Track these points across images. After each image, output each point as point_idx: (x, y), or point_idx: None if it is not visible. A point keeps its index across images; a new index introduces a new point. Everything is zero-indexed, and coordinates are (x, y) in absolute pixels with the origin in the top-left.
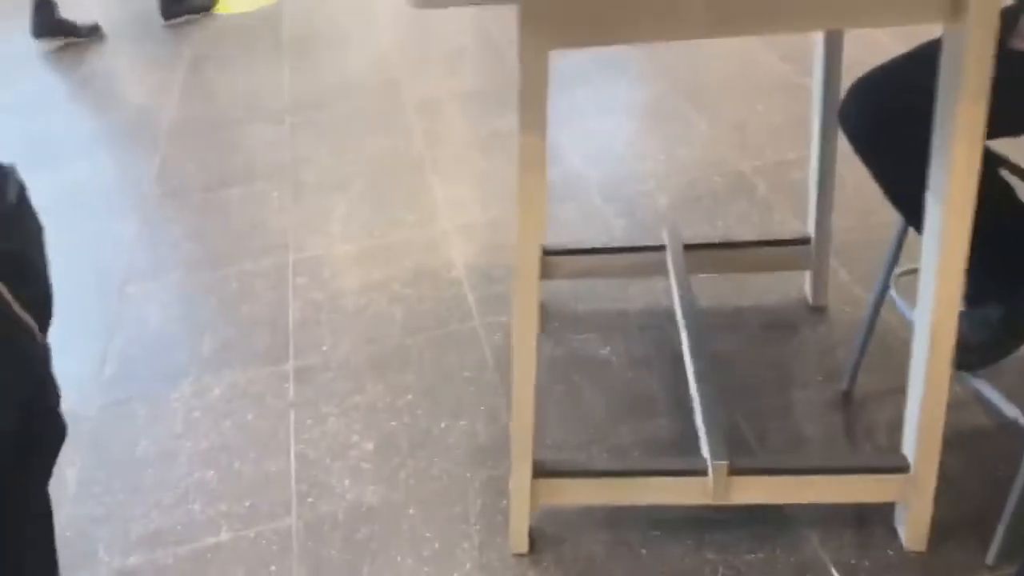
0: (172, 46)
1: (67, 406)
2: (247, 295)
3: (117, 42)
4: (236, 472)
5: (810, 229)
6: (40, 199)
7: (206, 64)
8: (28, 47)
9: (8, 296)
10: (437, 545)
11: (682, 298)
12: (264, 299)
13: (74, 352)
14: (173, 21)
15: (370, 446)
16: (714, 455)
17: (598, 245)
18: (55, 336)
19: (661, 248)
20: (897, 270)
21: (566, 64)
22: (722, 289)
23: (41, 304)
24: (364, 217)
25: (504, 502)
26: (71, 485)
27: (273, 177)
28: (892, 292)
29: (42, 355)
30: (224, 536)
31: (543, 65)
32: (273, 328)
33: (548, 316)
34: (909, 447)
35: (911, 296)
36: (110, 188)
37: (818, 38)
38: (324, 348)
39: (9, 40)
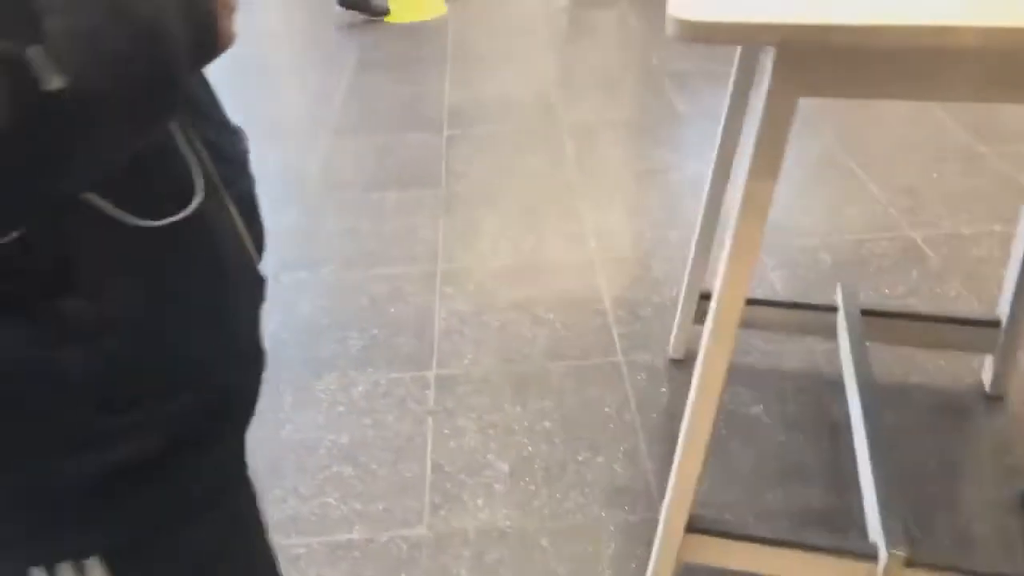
0: (342, 47)
1: None
2: (395, 297)
3: (290, 37)
4: (372, 472)
5: (1000, 311)
6: None
7: (372, 68)
8: None
9: (244, 232)
10: None
11: (857, 366)
12: (411, 304)
13: None
14: (346, 11)
15: (505, 467)
16: (890, 542)
17: (757, 296)
18: None
19: (829, 308)
20: None
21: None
22: (889, 361)
23: (259, 246)
24: (513, 236)
25: (639, 550)
26: None
27: (428, 185)
28: None
29: (265, 291)
30: (356, 535)
31: (790, 111)
32: (418, 333)
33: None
34: None
35: None
36: (275, 176)
37: None
38: (466, 361)
39: None
